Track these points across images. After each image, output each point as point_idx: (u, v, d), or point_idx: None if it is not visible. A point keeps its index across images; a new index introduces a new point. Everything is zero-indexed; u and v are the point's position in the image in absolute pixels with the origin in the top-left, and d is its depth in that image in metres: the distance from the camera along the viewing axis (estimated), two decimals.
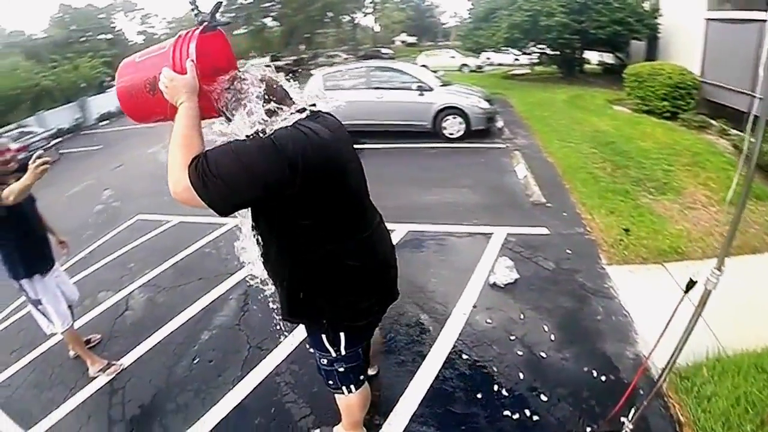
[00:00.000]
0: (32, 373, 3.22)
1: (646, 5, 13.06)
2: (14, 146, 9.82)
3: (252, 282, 1.70)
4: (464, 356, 2.61)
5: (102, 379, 2.98)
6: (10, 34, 30.09)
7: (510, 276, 3.29)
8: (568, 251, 3.64)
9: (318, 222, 1.37)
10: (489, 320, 2.90)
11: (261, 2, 29.98)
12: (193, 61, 1.31)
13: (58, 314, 2.87)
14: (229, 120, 1.37)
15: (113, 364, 3.06)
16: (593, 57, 17.76)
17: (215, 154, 1.21)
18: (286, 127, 1.27)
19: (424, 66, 22.46)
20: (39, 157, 2.31)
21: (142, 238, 5.18)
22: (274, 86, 1.38)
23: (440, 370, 2.52)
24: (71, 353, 3.17)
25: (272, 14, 31.04)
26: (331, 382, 1.74)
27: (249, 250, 1.54)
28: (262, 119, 1.29)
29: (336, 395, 1.83)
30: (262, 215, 1.39)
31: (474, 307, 3.05)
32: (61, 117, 19.29)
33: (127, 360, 3.12)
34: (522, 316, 2.90)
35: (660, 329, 1.67)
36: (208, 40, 1.42)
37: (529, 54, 16.84)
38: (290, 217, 1.34)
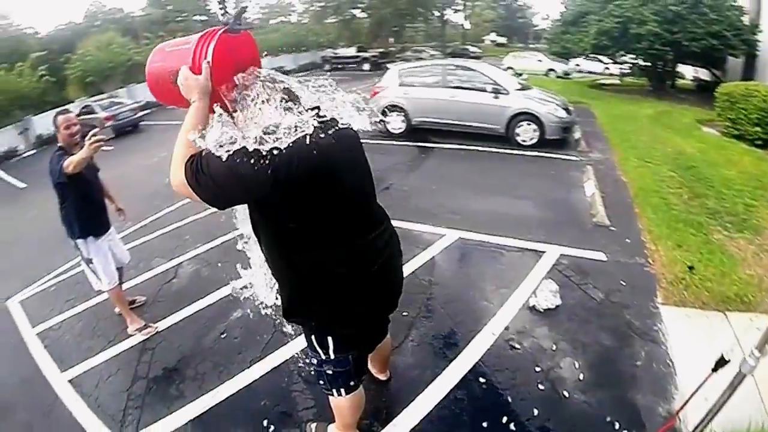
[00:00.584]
0: (79, 323, 3.58)
1: (746, 19, 11.74)
2: (104, 114, 11.15)
3: None
4: (481, 379, 2.46)
5: (137, 338, 3.22)
6: (109, 11, 33.11)
7: (552, 301, 3.05)
8: (622, 282, 3.28)
9: (305, 227, 1.37)
10: (518, 345, 2.71)
11: None
12: (209, 62, 1.36)
13: (106, 274, 3.15)
14: (232, 118, 1.41)
15: (150, 326, 3.30)
16: (688, 72, 16.33)
17: (210, 154, 1.26)
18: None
19: (509, 68, 21.95)
20: (94, 135, 2.55)
21: (201, 213, 5.52)
22: (283, 91, 1.40)
23: (453, 389, 2.40)
24: (116, 310, 3.45)
25: (361, 5, 31.71)
26: (321, 382, 1.75)
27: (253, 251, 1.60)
28: (268, 122, 1.31)
29: (327, 395, 1.83)
30: (256, 215, 1.42)
31: (506, 328, 2.87)
32: (146, 91, 21.09)
33: (162, 324, 3.36)
34: (554, 347, 2.66)
35: (705, 387, 1.43)
36: (231, 42, 1.43)
37: (619, 64, 15.86)
38: (279, 220, 1.36)
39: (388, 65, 11.64)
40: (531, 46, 39.37)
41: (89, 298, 3.82)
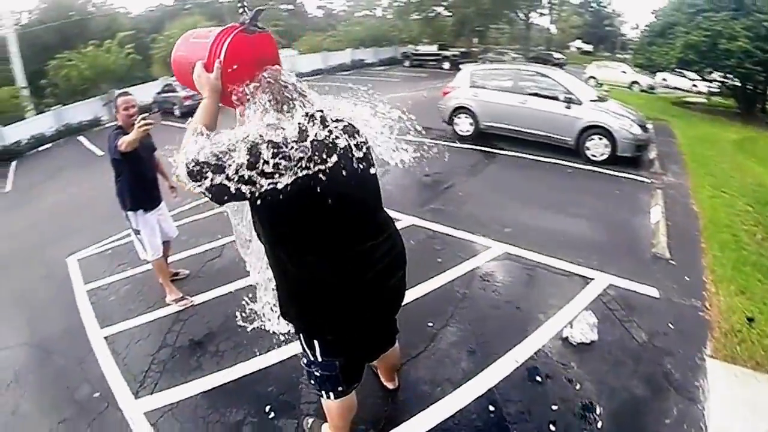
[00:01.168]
0: (125, 286, 3.89)
1: None
2: (183, 93, 12.15)
3: None
4: (491, 407, 2.34)
5: (173, 308, 3.44)
6: None
7: (588, 335, 2.82)
8: (670, 324, 2.96)
9: (294, 233, 1.37)
10: (539, 378, 2.54)
11: None
12: (220, 62, 1.39)
13: (151, 246, 3.40)
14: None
15: (186, 299, 3.51)
16: None
17: (206, 153, 1.27)
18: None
19: (591, 77, 20.75)
20: (143, 119, 2.81)
21: None
22: (288, 93, 1.41)
23: (457, 413, 2.31)
24: (160, 279, 3.70)
25: (444, 3, 31.40)
26: (312, 382, 1.76)
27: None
28: (271, 123, 1.34)
29: (318, 395, 1.85)
30: (253, 214, 1.44)
31: (531, 357, 2.70)
32: None
33: (198, 298, 3.57)
34: (578, 387, 2.46)
35: None
36: (246, 42, 1.44)
37: (707, 81, 14.55)
38: (271, 224, 1.39)
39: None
40: (617, 56, 36.83)
41: (138, 266, 4.14)
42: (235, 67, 1.42)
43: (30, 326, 3.57)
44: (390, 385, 2.42)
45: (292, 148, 1.25)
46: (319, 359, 1.61)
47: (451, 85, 8.61)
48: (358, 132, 1.46)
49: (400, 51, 29.36)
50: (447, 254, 3.98)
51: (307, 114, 1.37)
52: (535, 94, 7.40)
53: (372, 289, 1.53)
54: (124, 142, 2.91)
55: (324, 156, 1.31)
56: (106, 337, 3.18)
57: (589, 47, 46.12)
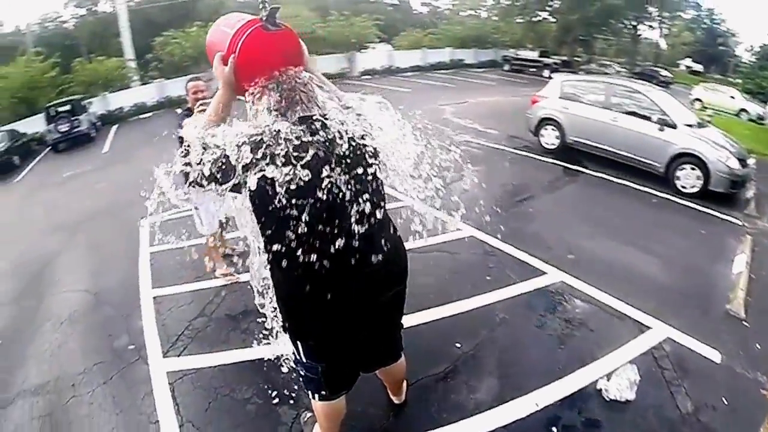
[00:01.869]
0: (181, 254, 4.20)
1: None
2: None
3: None
4: None
5: (219, 281, 3.69)
6: None
7: (623, 393, 2.54)
8: (723, 399, 2.56)
9: (267, 237, 1.40)
10: (555, 429, 2.35)
11: None
12: (235, 57, 1.42)
13: (207, 221, 3.68)
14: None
15: (233, 275, 3.75)
16: None
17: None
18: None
19: (697, 100, 18.68)
20: (203, 104, 3.00)
21: None
22: (296, 95, 1.42)
23: None
24: (212, 253, 3.96)
25: (549, 8, 30.02)
26: (299, 379, 1.81)
27: None
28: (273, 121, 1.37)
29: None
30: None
31: (555, 404, 2.50)
32: (329, 63, 23.47)
33: (244, 277, 3.74)
34: None
35: None
36: (264, 39, 1.43)
37: None
38: (258, 224, 1.42)
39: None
40: (729, 79, 32.64)
41: (197, 237, 4.47)
42: (249, 64, 1.43)
43: (94, 276, 4.06)
44: (396, 399, 2.39)
45: (267, 147, 1.29)
46: (303, 360, 1.64)
47: (540, 93, 8.21)
48: (361, 141, 1.42)
49: (501, 54, 28.66)
50: (498, 273, 3.82)
51: (304, 118, 1.38)
52: (627, 112, 6.81)
53: (355, 303, 1.52)
54: (186, 125, 3.16)
55: (298, 163, 1.30)
56: (154, 297, 3.51)
57: (699, 67, 41.17)
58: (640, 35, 31.88)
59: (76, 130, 14.01)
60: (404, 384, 2.38)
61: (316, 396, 1.75)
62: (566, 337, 3.08)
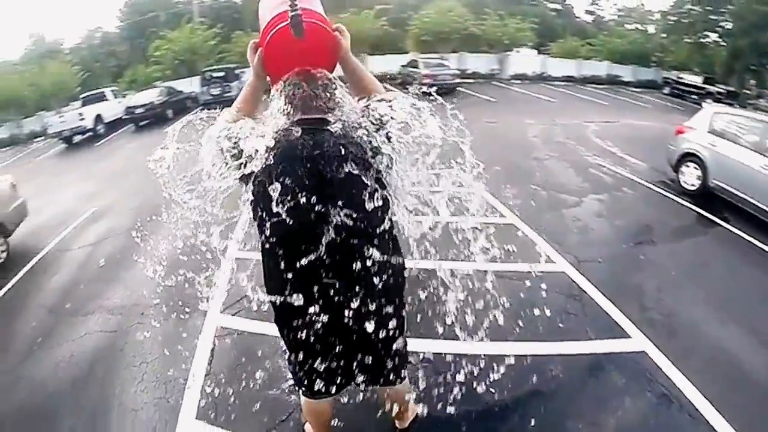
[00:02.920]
0: None
1: None
2: (425, 71, 13.53)
3: None
4: None
5: None
6: None
7: None
8: None
9: (260, 230, 1.42)
10: None
11: (709, 13, 25.29)
12: (261, 51, 1.44)
13: None
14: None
15: None
16: None
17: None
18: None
19: None
20: None
21: None
22: (296, 100, 1.42)
23: None
24: None
25: (718, 29, 25.88)
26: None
27: None
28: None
29: None
30: None
31: None
32: (480, 62, 23.57)
33: None
34: None
35: None
36: (289, 39, 1.40)
37: None
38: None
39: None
40: None
41: None
42: (274, 60, 1.45)
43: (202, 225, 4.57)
44: (398, 424, 2.31)
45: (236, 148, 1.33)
46: (287, 351, 1.68)
47: (687, 124, 7.03)
48: (350, 153, 1.35)
49: (662, 75, 25.62)
50: (574, 322, 3.37)
51: (304, 120, 1.39)
52: None
53: (321, 320, 1.49)
54: None
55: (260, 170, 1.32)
56: (237, 259, 3.84)
57: None
58: None
59: (226, 94, 16.11)
60: (408, 411, 2.27)
61: (300, 390, 1.80)
62: (623, 425, 2.50)
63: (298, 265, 1.39)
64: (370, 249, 1.42)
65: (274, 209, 1.32)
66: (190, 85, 18.85)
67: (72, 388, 3.03)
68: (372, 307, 1.51)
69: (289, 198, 1.31)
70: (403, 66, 19.47)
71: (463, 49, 24.20)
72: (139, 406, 2.75)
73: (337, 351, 1.58)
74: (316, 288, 1.45)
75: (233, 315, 3.29)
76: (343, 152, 1.33)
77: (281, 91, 1.44)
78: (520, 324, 3.15)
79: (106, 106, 16.74)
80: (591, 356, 3.00)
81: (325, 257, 1.39)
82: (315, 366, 1.62)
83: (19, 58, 27.48)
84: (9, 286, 4.83)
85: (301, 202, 1.32)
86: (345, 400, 2.35)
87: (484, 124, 11.72)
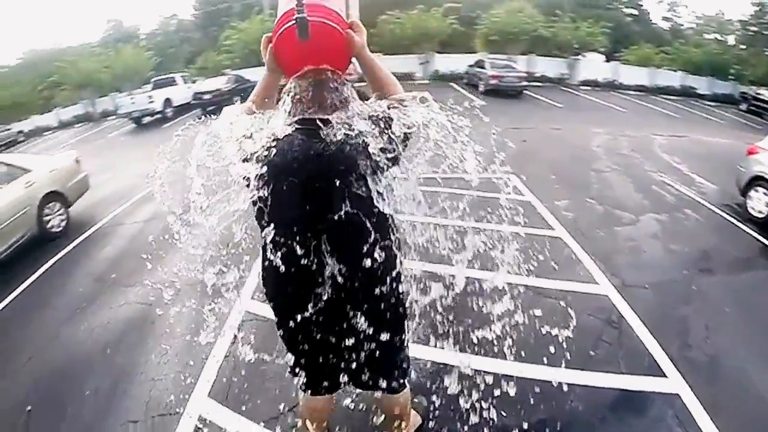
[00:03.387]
0: None
1: None
2: (492, 72, 13.48)
3: None
4: None
5: None
6: None
7: None
8: None
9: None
10: None
11: None
12: (272, 47, 1.43)
13: None
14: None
15: None
16: None
17: None
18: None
19: None
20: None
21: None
22: (299, 97, 1.43)
23: None
24: None
25: None
26: None
27: None
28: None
29: None
30: None
31: None
32: (549, 66, 23.19)
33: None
34: None
35: None
36: (296, 37, 1.36)
37: None
38: None
39: None
40: None
41: None
42: (283, 55, 1.43)
43: None
44: None
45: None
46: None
47: (760, 144, 6.37)
48: (341, 157, 1.33)
49: (739, 89, 23.74)
50: (607, 353, 3.14)
51: (304, 120, 1.39)
52: None
53: (316, 321, 1.50)
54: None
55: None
56: None
57: None
58: None
59: None
60: (409, 421, 2.22)
61: (298, 385, 1.79)
62: None
63: (292, 269, 1.40)
64: (365, 259, 1.40)
65: (265, 212, 1.36)
66: (257, 74, 19.64)
67: (102, 353, 3.28)
68: (367, 311, 1.50)
69: (277, 201, 1.34)
70: (470, 66, 19.46)
71: (533, 51, 23.74)
72: (159, 376, 2.94)
73: (331, 353, 1.59)
74: (309, 291, 1.46)
75: (263, 302, 3.41)
76: (332, 156, 1.33)
77: (288, 89, 1.44)
78: (547, 346, 3.01)
79: (175, 91, 17.86)
80: (617, 391, 2.78)
81: (316, 262, 1.40)
82: (310, 365, 1.64)
83: (97, 42, 30.00)
84: (64, 252, 5.31)
85: (289, 205, 1.34)
86: (345, 402, 2.37)
87: (549, 130, 11.40)
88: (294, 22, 1.32)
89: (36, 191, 5.54)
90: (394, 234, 1.51)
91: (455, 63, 21.70)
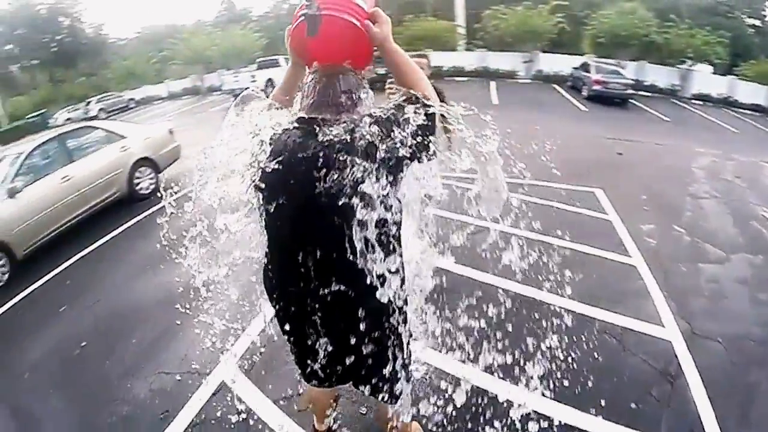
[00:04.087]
0: None
1: None
2: (596, 77, 13.30)
3: None
4: None
5: None
6: None
7: None
8: None
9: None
10: None
11: None
12: (288, 38, 1.43)
13: None
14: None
15: None
16: None
17: None
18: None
19: None
20: (389, 88, 3.00)
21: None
22: (311, 99, 1.40)
23: None
24: None
25: None
26: None
27: None
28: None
29: None
30: None
31: None
32: (660, 75, 21.13)
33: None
34: None
35: None
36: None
37: None
38: None
39: None
40: None
41: None
42: (298, 47, 1.43)
43: None
44: None
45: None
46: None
47: None
48: (335, 159, 1.26)
49: None
50: (649, 410, 2.68)
51: (292, 121, 1.38)
52: None
53: (311, 322, 1.52)
54: None
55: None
56: None
57: None
58: None
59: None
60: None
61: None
62: None
63: (287, 269, 1.44)
64: (361, 263, 1.35)
65: (262, 209, 1.41)
66: None
67: (153, 308, 3.76)
68: (363, 316, 1.47)
69: (271, 199, 1.37)
70: (575, 68, 18.52)
71: (644, 58, 21.90)
72: (198, 336, 3.27)
73: (320, 352, 1.61)
74: (303, 292, 1.46)
75: None
76: (324, 157, 1.26)
77: (300, 85, 1.45)
78: (584, 386, 2.77)
79: (278, 72, 18.81)
80: None
81: (308, 265, 1.39)
82: (301, 360, 1.69)
83: (211, 21, 32.84)
84: (145, 214, 6.02)
85: (283, 205, 1.35)
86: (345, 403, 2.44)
87: (649, 144, 10.51)
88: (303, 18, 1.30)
89: (129, 156, 6.40)
90: (395, 247, 1.44)
91: (560, 63, 20.69)
